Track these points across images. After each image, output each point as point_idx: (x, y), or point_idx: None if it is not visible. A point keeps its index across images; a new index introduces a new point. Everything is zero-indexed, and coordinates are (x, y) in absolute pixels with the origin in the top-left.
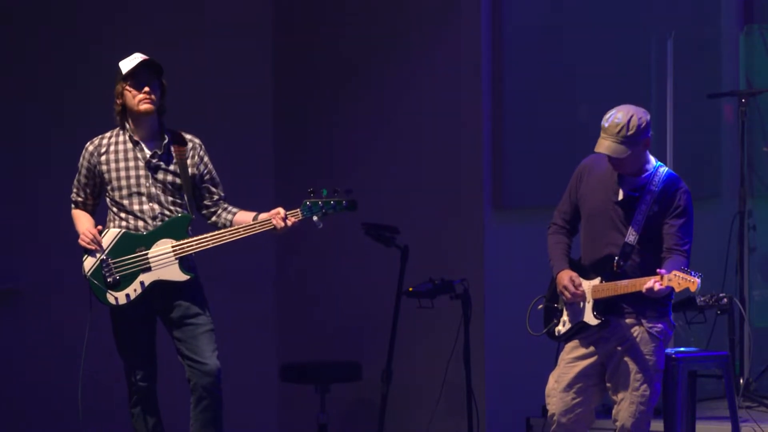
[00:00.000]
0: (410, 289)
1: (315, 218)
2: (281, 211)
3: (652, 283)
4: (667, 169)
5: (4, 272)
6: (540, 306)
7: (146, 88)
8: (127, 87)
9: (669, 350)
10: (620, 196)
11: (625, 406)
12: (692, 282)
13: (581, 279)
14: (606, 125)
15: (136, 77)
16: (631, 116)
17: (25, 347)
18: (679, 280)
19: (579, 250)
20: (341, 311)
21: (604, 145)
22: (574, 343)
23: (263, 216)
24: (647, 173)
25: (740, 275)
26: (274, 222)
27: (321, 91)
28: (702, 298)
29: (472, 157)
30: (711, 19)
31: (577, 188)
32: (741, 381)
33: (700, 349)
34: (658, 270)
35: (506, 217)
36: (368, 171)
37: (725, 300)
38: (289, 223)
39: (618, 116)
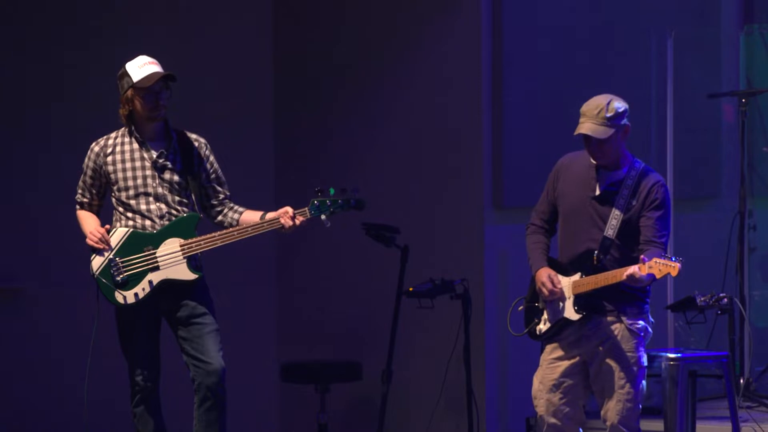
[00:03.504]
0: (410, 289)
1: (323, 217)
2: (289, 210)
3: (633, 269)
4: (643, 164)
5: (4, 272)
6: (520, 307)
7: (160, 101)
8: (139, 96)
9: (669, 350)
10: (597, 191)
11: (612, 405)
12: (673, 267)
13: (560, 276)
14: (584, 109)
15: (151, 88)
16: (610, 100)
17: (26, 346)
18: (660, 266)
19: (556, 251)
20: (341, 311)
21: (585, 126)
22: (557, 343)
23: (271, 215)
24: (624, 168)
25: (740, 275)
26: (283, 221)
27: (321, 91)
28: (702, 298)
29: (472, 157)
30: (711, 19)
31: (555, 187)
32: (741, 381)
33: (700, 349)
34: (641, 257)
35: (506, 217)
36: (368, 170)
37: (725, 300)
38: (297, 222)
39: (595, 100)
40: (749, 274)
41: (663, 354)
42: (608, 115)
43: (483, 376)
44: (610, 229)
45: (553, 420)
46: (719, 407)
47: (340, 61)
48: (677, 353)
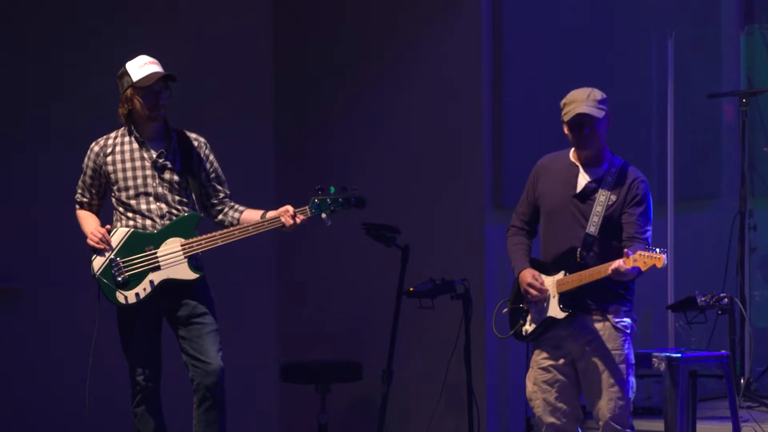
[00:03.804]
0: (410, 289)
1: (323, 216)
2: (290, 208)
3: (617, 263)
4: (622, 160)
5: (4, 272)
6: (504, 310)
7: (160, 101)
8: (139, 96)
9: (669, 350)
10: (578, 189)
11: (604, 403)
12: (658, 258)
13: (543, 276)
14: (572, 98)
15: (150, 88)
16: (593, 88)
17: (26, 346)
18: (644, 259)
19: (538, 253)
20: (341, 311)
21: (580, 107)
22: (545, 343)
23: (271, 214)
24: (605, 164)
25: (741, 275)
26: (283, 220)
27: (321, 91)
28: (703, 298)
29: (472, 157)
30: (711, 19)
31: (535, 188)
32: (741, 381)
33: (700, 349)
34: (625, 250)
35: (506, 217)
36: (368, 171)
37: (726, 300)
38: (297, 220)
39: (581, 89)
40: (749, 274)
41: (663, 354)
42: (598, 98)
43: (483, 376)
44: (592, 226)
45: (551, 419)
46: (719, 407)
47: (340, 61)
48: (677, 353)
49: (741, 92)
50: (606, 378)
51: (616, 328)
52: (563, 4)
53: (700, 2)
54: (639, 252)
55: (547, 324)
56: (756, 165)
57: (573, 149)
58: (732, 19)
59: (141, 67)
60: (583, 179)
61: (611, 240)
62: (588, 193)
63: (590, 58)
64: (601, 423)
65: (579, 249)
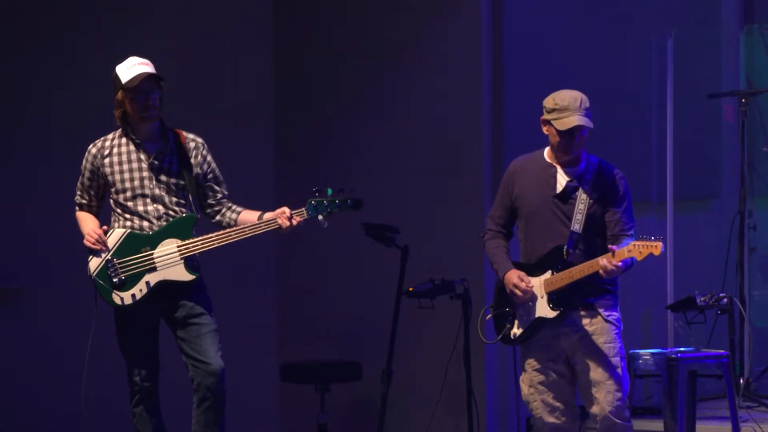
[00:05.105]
0: (410, 289)
1: (320, 217)
2: (286, 210)
3: (603, 262)
4: (598, 158)
5: (4, 272)
6: (489, 316)
7: (149, 101)
8: (129, 98)
9: (669, 350)
10: (558, 189)
11: (602, 396)
12: (654, 246)
13: (529, 277)
14: (565, 103)
15: (138, 88)
16: (579, 93)
17: (26, 346)
18: (640, 248)
19: (516, 256)
20: (341, 311)
21: (576, 118)
22: (536, 344)
23: (268, 215)
24: (582, 163)
25: (740, 275)
26: (280, 221)
27: (321, 91)
28: (702, 298)
29: (472, 156)
30: (711, 19)
31: (511, 191)
32: (741, 381)
33: (700, 349)
34: (610, 246)
35: None
36: (368, 171)
37: (725, 300)
38: (294, 222)
39: (571, 94)
40: (749, 274)
41: (663, 354)
42: (587, 105)
43: (483, 376)
44: (576, 224)
45: (552, 419)
46: (719, 407)
47: (341, 61)
48: (677, 353)
49: (741, 92)
50: (602, 372)
51: (607, 321)
52: (563, 5)
53: (700, 2)
54: (633, 242)
55: (536, 325)
56: (756, 165)
57: (547, 149)
58: (732, 19)
59: (129, 68)
60: (562, 179)
61: (595, 237)
62: (569, 193)
63: (590, 59)
64: (599, 418)
65: (566, 247)
